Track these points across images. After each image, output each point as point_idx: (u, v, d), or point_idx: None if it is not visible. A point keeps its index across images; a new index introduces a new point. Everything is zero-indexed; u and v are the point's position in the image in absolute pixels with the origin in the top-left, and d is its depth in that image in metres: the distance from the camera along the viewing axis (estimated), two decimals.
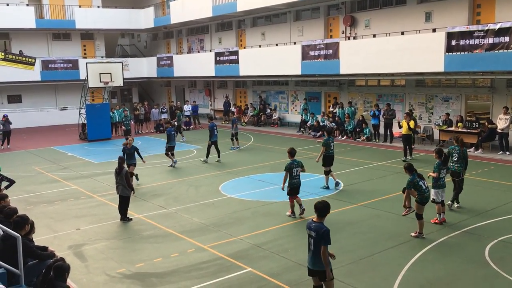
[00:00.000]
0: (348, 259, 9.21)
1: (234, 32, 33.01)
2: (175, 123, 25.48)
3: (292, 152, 11.86)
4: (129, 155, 15.35)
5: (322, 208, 6.79)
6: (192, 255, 9.73)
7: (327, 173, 14.46)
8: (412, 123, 18.43)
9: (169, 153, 18.60)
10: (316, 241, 6.71)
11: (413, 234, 10.26)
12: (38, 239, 9.96)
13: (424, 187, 10.03)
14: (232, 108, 32.11)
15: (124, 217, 12.12)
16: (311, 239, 6.79)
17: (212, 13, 30.95)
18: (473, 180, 14.27)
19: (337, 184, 14.47)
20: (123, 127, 26.82)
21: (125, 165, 12.44)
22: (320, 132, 24.47)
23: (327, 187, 14.41)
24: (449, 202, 12.08)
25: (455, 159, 11.98)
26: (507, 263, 8.82)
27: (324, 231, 6.69)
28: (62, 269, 6.26)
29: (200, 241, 10.49)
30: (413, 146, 20.47)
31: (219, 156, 19.21)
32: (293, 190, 11.73)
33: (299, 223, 11.44)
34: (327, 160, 14.38)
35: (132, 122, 23.18)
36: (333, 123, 24.81)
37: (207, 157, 19.10)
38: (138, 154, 15.61)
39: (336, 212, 12.16)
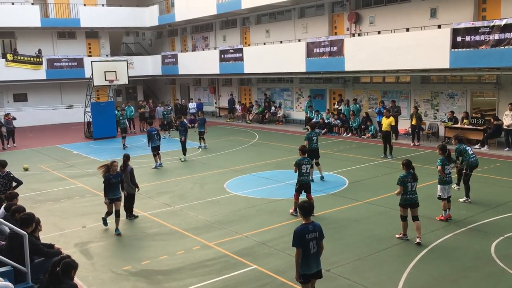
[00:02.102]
0: (353, 256, 9.21)
1: (239, 29, 32.99)
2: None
3: (303, 150, 11.86)
4: (114, 185, 11.05)
5: (310, 208, 6.75)
6: (197, 253, 9.76)
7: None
8: (392, 120, 18.28)
9: (155, 153, 18.11)
10: (319, 239, 6.67)
11: (397, 236, 10.05)
12: (45, 237, 10.03)
13: (409, 188, 9.67)
14: (237, 106, 32.16)
15: (130, 215, 12.17)
16: (314, 241, 6.60)
17: (217, 10, 30.96)
18: (478, 177, 14.19)
19: (321, 178, 14.99)
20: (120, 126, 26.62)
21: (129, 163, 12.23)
22: (325, 129, 24.45)
23: (312, 180, 14.73)
24: (465, 198, 12.26)
25: (472, 152, 12.51)
26: None
27: (320, 225, 6.73)
28: (69, 266, 6.29)
29: (205, 238, 10.52)
30: (418, 142, 20.49)
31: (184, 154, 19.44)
32: (301, 187, 11.60)
33: None
34: (309, 154, 14.53)
35: (127, 123, 23.11)
36: (338, 120, 24.78)
37: (184, 154, 19.30)
38: (121, 183, 11.50)
39: (342, 209, 12.17)
